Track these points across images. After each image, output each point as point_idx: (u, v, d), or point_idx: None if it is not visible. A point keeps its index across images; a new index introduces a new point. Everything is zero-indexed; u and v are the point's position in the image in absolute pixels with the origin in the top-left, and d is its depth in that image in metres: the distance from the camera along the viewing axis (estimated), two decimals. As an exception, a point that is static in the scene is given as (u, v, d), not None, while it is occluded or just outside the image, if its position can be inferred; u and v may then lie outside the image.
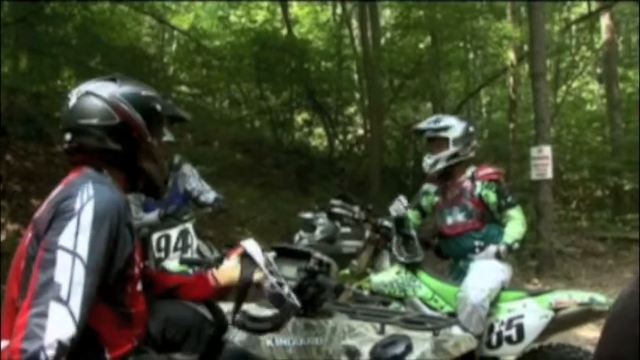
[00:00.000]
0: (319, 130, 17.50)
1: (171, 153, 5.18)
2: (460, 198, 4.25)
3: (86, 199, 1.86)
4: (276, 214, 10.79)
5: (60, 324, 1.68)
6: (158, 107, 2.16)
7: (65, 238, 1.79)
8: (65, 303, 1.71)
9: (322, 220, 5.54)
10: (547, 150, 9.86)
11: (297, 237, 5.93)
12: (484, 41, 16.73)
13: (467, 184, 4.25)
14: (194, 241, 4.67)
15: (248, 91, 15.90)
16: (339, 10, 16.70)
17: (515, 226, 4.14)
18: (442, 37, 14.85)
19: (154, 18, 15.76)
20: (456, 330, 3.49)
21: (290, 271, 2.47)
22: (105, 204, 1.88)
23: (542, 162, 9.85)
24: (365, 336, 2.44)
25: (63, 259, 1.76)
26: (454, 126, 4.32)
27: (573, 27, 16.83)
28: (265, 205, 11.60)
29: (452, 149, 4.25)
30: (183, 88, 16.26)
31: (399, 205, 4.14)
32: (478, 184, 4.21)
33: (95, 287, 1.80)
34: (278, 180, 13.21)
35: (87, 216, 1.83)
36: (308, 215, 6.00)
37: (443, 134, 4.28)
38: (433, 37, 15.26)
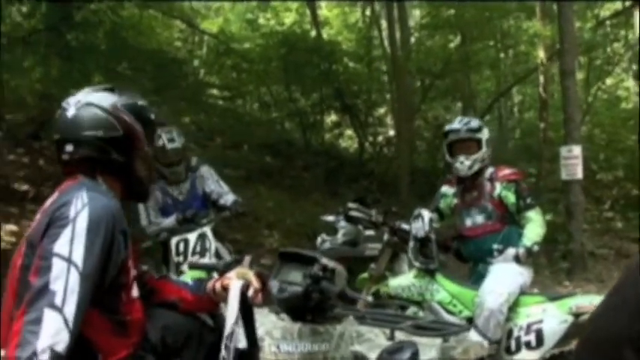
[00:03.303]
0: (349, 132, 17.42)
1: (182, 159, 5.20)
2: (479, 199, 4.20)
3: (81, 206, 1.88)
4: (304, 217, 10.76)
5: (54, 331, 1.69)
6: (152, 116, 2.19)
7: (60, 246, 1.81)
8: (60, 310, 1.72)
9: (344, 223, 5.54)
10: (577, 149, 9.68)
11: (319, 240, 5.93)
12: (514, 40, 16.50)
13: (486, 185, 4.20)
14: (212, 245, 4.69)
15: (277, 94, 15.90)
16: (368, 12, 16.63)
17: (534, 228, 4.07)
18: (472, 36, 14.69)
19: (183, 22, 15.86)
20: (472, 335, 3.45)
21: (296, 276, 2.46)
22: (99, 211, 1.89)
23: (572, 162, 9.68)
24: (374, 342, 2.42)
25: (58, 266, 1.78)
26: (484, 128, 4.30)
27: (607, 23, 16.51)
28: (294, 208, 11.57)
29: (484, 150, 4.20)
30: (214, 92, 16.31)
31: (420, 224, 4.05)
32: (497, 184, 4.15)
33: (89, 294, 1.81)
34: (307, 182, 13.18)
35: (82, 223, 1.85)
36: (330, 218, 6.00)
37: (477, 135, 4.24)
38: (463, 37, 15.11)
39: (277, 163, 14.18)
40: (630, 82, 19.13)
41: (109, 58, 10.94)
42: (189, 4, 16.09)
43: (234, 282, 2.17)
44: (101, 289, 1.88)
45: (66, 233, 1.82)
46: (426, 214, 4.08)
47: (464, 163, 4.23)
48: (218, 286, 2.25)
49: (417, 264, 4.03)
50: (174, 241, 4.65)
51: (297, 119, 15.57)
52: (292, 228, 10.63)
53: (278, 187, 12.51)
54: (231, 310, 2.07)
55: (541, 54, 15.14)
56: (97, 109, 2.07)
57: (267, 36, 15.26)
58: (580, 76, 13.23)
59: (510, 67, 18.26)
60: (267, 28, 16.17)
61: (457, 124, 4.37)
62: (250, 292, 2.14)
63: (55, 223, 1.86)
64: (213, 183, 5.20)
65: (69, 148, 2.05)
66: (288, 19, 16.62)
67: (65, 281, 1.76)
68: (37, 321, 1.69)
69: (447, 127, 4.45)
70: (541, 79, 15.37)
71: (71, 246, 1.81)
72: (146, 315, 2.15)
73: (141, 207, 5.12)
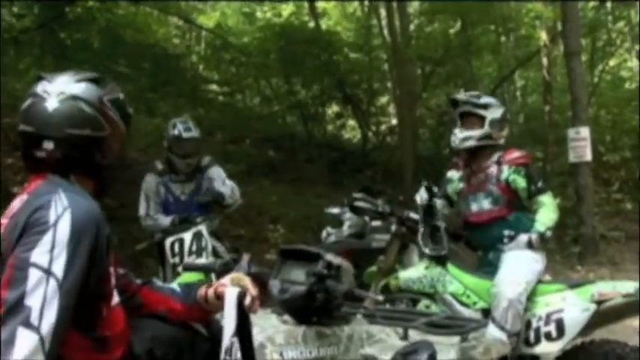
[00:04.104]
0: (352, 123, 17.28)
1: (197, 150, 5.07)
2: (485, 183, 4.00)
3: (61, 209, 1.66)
4: (308, 210, 10.62)
5: (28, 352, 1.48)
6: (131, 111, 1.99)
7: (38, 254, 1.59)
8: (35, 328, 1.51)
9: (349, 214, 5.35)
10: (585, 131, 9.52)
11: (324, 233, 5.76)
12: (515, 23, 16.28)
13: (492, 168, 4.00)
14: (209, 244, 4.51)
15: (278, 87, 15.75)
16: (366, 1, 16.45)
17: (547, 213, 3.87)
18: (472, 21, 14.47)
19: (180, 18, 15.70)
20: (490, 330, 3.26)
21: (299, 275, 2.27)
22: (83, 215, 1.68)
23: (580, 144, 9.52)
24: (386, 343, 2.24)
25: (35, 278, 1.56)
26: (494, 107, 4.11)
27: (608, 2, 16.28)
28: (297, 201, 11.46)
29: (486, 129, 4.01)
30: (214, 87, 16.17)
31: (423, 193, 3.91)
32: (505, 168, 3.95)
33: (70, 311, 1.59)
34: (310, 175, 13.03)
35: (64, 229, 1.63)
36: (335, 210, 5.83)
37: (481, 112, 4.04)
38: (463, 22, 14.90)
39: (280, 156, 14.06)
40: (634, 62, 18.89)
41: (105, 55, 10.75)
42: (185, -1, 15.95)
43: (229, 290, 1.95)
44: (79, 302, 1.66)
45: (45, 240, 1.61)
46: (428, 184, 3.93)
47: (456, 135, 4.05)
48: (211, 294, 2.03)
49: (427, 251, 3.84)
50: (168, 241, 4.48)
51: (299, 112, 15.44)
52: (297, 221, 10.51)
53: (281, 180, 12.40)
54: (228, 322, 1.86)
55: (543, 36, 14.93)
56: (84, 104, 1.85)
57: (264, 28, 15.11)
58: (583, 57, 13.00)
59: (512, 50, 18.02)
60: (265, 20, 16.00)
61: (465, 95, 4.21)
62: (247, 301, 1.93)
63: (32, 229, 1.64)
64: (218, 184, 5.04)
65: (48, 145, 1.81)
66: (286, 11, 16.42)
67: (43, 295, 1.55)
68: (9, 341, 1.49)
69: (454, 95, 4.32)
70: (544, 61, 15.14)
71: (51, 255, 1.59)
72: (131, 325, 1.93)
73: (142, 196, 4.98)
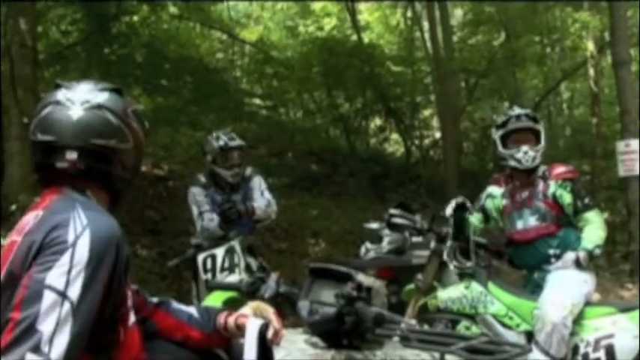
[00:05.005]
0: (395, 136, 17.14)
1: (242, 160, 5.03)
2: (531, 199, 3.83)
3: (80, 228, 1.56)
4: (350, 224, 10.50)
5: None
6: (147, 124, 1.90)
7: (54, 276, 1.49)
8: (45, 355, 1.42)
9: (388, 230, 5.21)
10: (635, 144, 9.18)
11: (363, 249, 5.61)
12: (561, 33, 15.97)
13: (539, 183, 3.84)
14: (241, 260, 4.41)
15: (320, 100, 15.73)
16: (409, 14, 16.33)
17: (594, 230, 3.69)
18: (516, 32, 14.23)
19: (223, 32, 15.82)
20: (534, 355, 3.10)
21: (328, 296, 2.15)
22: (104, 235, 1.58)
23: (630, 157, 9.18)
24: (421, 369, 2.11)
25: (49, 301, 1.46)
26: (540, 121, 4.00)
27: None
28: (339, 215, 11.36)
29: (543, 145, 3.87)
30: (257, 101, 16.24)
31: (452, 206, 3.75)
32: (552, 183, 3.79)
33: (83, 338, 1.50)
34: (353, 189, 12.92)
35: (83, 250, 1.53)
36: (374, 225, 5.68)
37: (538, 126, 3.91)
38: (507, 33, 14.67)
39: (322, 170, 13.98)
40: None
41: (148, 70, 10.86)
42: (228, 14, 16.06)
43: (250, 322, 1.83)
44: (94, 327, 1.57)
45: (63, 261, 1.51)
46: (460, 199, 3.77)
47: (528, 154, 3.84)
48: (231, 324, 1.91)
49: (451, 266, 3.70)
50: (201, 257, 4.40)
51: (341, 125, 15.38)
52: (338, 236, 10.41)
53: (323, 194, 12.34)
54: (249, 354, 1.75)
55: (590, 46, 14.61)
56: (110, 114, 1.76)
57: (307, 42, 15.12)
58: (633, 68, 12.67)
59: (558, 62, 17.68)
60: (307, 34, 16.02)
61: (518, 110, 4.04)
62: (270, 334, 1.81)
63: (50, 248, 1.54)
64: (256, 195, 4.98)
65: (71, 155, 1.71)
66: (328, 24, 16.42)
67: (56, 320, 1.45)
68: None
69: (506, 115, 4.09)
70: (591, 72, 14.81)
71: (68, 277, 1.49)
72: (147, 348, 1.82)
73: (192, 201, 4.92)
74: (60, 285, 1.49)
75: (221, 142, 4.91)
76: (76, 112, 1.74)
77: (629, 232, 9.53)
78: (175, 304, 2.02)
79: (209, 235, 4.69)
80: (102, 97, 1.79)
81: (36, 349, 1.42)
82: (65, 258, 1.52)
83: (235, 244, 4.46)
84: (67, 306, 1.48)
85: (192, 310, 2.02)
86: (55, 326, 1.45)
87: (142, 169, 1.92)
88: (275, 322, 1.85)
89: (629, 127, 9.51)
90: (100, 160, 1.74)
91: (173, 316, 1.99)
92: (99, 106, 1.76)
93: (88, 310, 1.51)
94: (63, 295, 1.48)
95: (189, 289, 5.03)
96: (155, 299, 2.03)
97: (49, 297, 1.47)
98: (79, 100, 1.76)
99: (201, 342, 1.95)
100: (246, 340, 1.79)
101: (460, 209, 3.74)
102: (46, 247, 1.55)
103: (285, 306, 2.23)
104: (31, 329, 1.44)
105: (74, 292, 1.49)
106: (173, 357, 1.88)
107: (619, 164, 9.44)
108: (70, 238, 1.55)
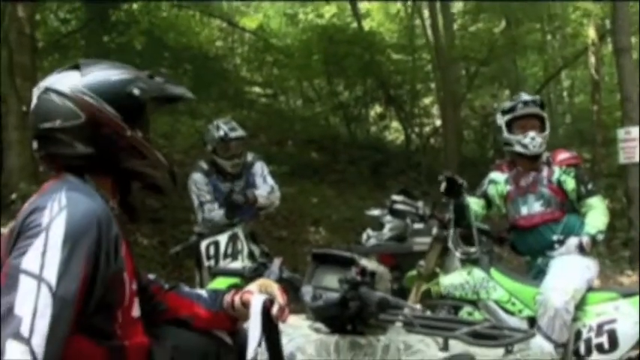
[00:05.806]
0: (395, 124, 17.12)
1: (242, 149, 5.01)
2: (535, 185, 3.82)
3: (57, 210, 1.53)
4: (350, 212, 10.52)
5: None
6: (136, 91, 1.76)
7: (29, 260, 1.47)
8: (26, 340, 1.39)
9: (390, 217, 5.20)
10: (635, 131, 9.18)
11: (364, 236, 5.59)
12: (562, 21, 15.91)
13: (543, 169, 3.83)
14: (244, 247, 4.41)
15: (320, 88, 15.70)
16: (410, 2, 16.27)
17: (597, 216, 3.69)
18: (516, 19, 14.18)
19: (222, 20, 15.76)
20: (536, 341, 3.09)
21: (331, 281, 2.14)
22: (80, 215, 1.54)
23: (630, 144, 9.19)
24: (425, 353, 2.10)
25: (25, 286, 1.44)
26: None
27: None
28: (340, 203, 11.37)
29: (548, 131, 3.86)
30: (257, 89, 16.20)
31: (441, 178, 3.72)
32: (556, 169, 3.78)
33: (68, 320, 1.47)
34: (353, 176, 12.92)
35: (57, 231, 1.50)
36: (376, 212, 5.66)
37: (544, 113, 3.90)
38: (507, 21, 14.62)
39: (322, 158, 13.96)
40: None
41: (147, 58, 10.81)
42: (228, 1, 16.00)
43: (255, 297, 1.81)
44: (87, 310, 1.55)
45: (37, 245, 1.48)
46: (449, 173, 3.77)
47: (535, 139, 3.84)
48: (237, 300, 1.89)
49: (457, 254, 3.69)
50: (204, 244, 4.39)
51: (341, 113, 15.35)
52: (339, 223, 10.42)
53: (323, 182, 12.33)
54: (253, 331, 1.73)
55: (591, 34, 14.55)
56: (55, 95, 1.70)
57: (307, 30, 15.08)
58: (634, 55, 12.63)
59: (558, 49, 17.64)
60: (307, 22, 15.97)
61: (526, 96, 4.03)
62: (274, 310, 1.79)
63: (25, 232, 1.52)
64: (259, 181, 4.97)
65: (34, 144, 1.73)
66: (328, 12, 16.36)
67: (34, 304, 1.42)
68: None
69: (514, 100, 4.08)
70: (592, 60, 14.77)
71: (43, 260, 1.47)
72: (152, 334, 1.80)
73: (192, 190, 4.90)
74: (35, 269, 1.46)
75: (221, 133, 4.88)
76: (34, 101, 1.75)
77: (629, 219, 9.55)
78: (186, 288, 2.01)
79: (214, 225, 4.68)
80: (50, 79, 1.76)
81: (16, 335, 1.39)
82: (39, 241, 1.49)
83: (238, 230, 4.46)
84: (44, 289, 1.45)
85: (201, 291, 2.01)
86: (33, 310, 1.42)
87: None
88: (280, 298, 1.82)
89: (629, 114, 9.51)
90: (54, 143, 1.71)
91: (182, 297, 1.98)
92: (45, 90, 1.73)
93: (69, 292, 1.48)
94: (39, 278, 1.45)
95: (190, 277, 5.03)
96: (167, 285, 2.02)
97: (25, 282, 1.45)
98: (36, 89, 1.76)
99: (208, 321, 1.93)
100: (250, 315, 1.77)
101: (452, 185, 3.70)
102: (22, 232, 1.54)
103: (288, 292, 2.22)
104: (9, 315, 1.42)
105: (51, 274, 1.46)
106: (179, 342, 1.85)
107: (619, 151, 9.45)
108: (45, 221, 1.52)
